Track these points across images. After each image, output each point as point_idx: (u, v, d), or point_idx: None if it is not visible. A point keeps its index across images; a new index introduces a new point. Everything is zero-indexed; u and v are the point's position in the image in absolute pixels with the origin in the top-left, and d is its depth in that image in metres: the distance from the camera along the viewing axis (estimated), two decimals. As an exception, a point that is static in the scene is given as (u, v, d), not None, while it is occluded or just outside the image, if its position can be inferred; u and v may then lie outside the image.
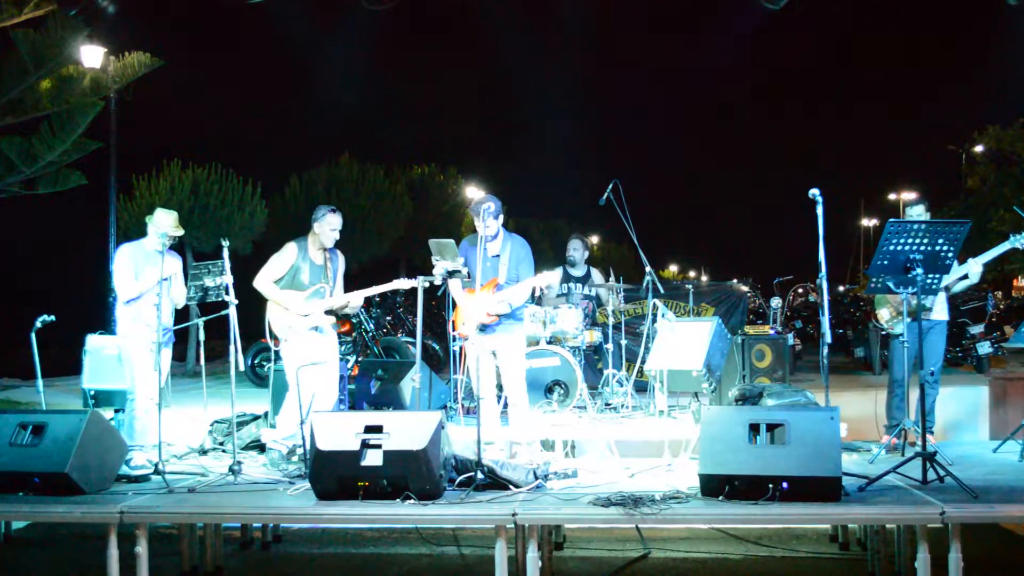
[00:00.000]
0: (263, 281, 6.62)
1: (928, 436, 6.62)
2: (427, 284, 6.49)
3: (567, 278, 9.35)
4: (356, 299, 6.79)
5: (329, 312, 6.73)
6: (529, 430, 6.73)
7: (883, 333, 7.15)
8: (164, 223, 6.66)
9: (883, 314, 7.06)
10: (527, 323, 7.73)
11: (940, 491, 5.18)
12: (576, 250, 9.35)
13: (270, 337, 6.63)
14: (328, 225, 6.64)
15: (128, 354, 6.65)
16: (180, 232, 6.76)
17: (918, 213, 6.87)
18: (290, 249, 6.69)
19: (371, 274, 7.37)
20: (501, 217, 6.60)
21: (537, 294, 8.81)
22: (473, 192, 28.17)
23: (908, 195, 34.55)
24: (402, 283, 6.85)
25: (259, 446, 7.07)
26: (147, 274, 6.54)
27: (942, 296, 6.67)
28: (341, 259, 6.93)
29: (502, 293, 6.54)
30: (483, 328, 6.54)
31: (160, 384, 6.63)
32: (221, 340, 7.00)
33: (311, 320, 6.62)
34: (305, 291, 6.61)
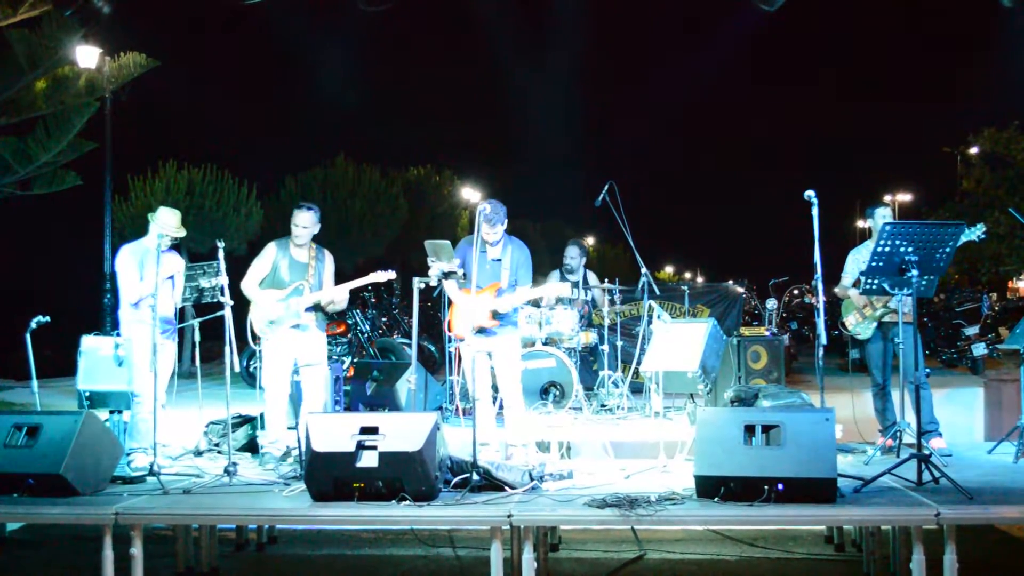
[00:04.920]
0: (247, 284, 6.67)
1: (936, 440, 6.67)
2: (423, 285, 6.50)
3: (563, 279, 9.34)
4: (339, 294, 6.77)
5: (314, 309, 6.72)
6: (524, 432, 6.74)
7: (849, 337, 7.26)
8: (167, 223, 6.68)
9: (849, 320, 7.14)
10: (523, 324, 7.73)
11: (935, 492, 5.19)
12: (573, 258, 9.35)
13: (252, 338, 6.64)
14: (294, 222, 6.69)
15: (133, 355, 6.67)
16: (182, 233, 6.79)
17: (884, 215, 6.91)
18: (268, 249, 6.77)
19: (367, 274, 7.34)
20: (506, 223, 6.60)
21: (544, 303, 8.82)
22: (469, 193, 28.21)
23: (904, 196, 34.61)
24: (379, 276, 6.83)
25: (254, 447, 7.06)
26: (150, 274, 6.54)
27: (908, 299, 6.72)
28: (329, 258, 6.93)
29: (505, 298, 6.54)
30: (481, 331, 6.55)
31: (165, 379, 6.72)
32: (216, 341, 6.99)
33: (291, 319, 6.63)
34: (285, 289, 6.64)
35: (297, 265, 6.72)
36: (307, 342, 6.74)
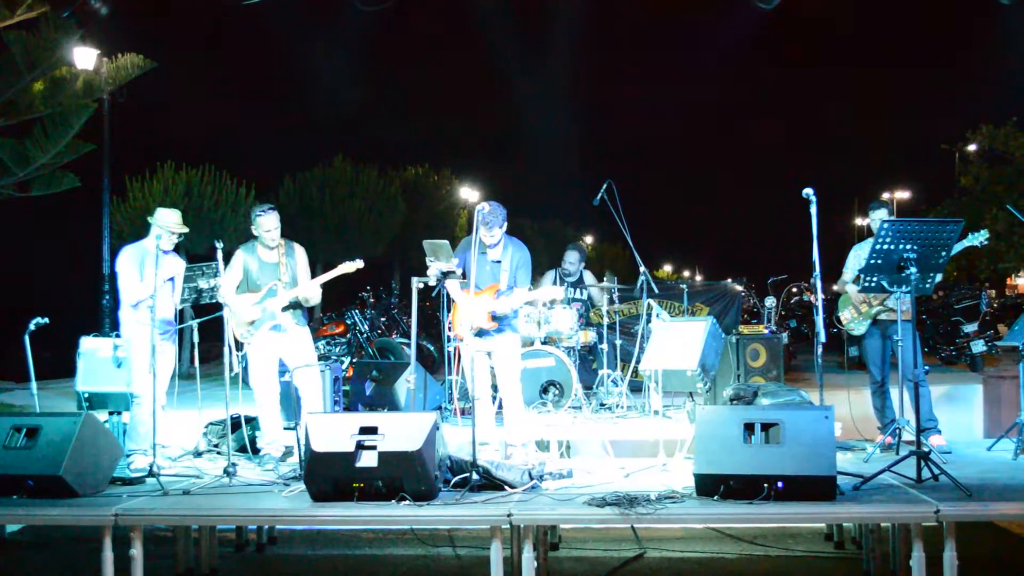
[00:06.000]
0: (224, 293, 6.66)
1: (936, 437, 6.68)
2: (421, 285, 6.49)
3: (560, 281, 9.36)
4: (312, 291, 6.76)
5: (291, 307, 6.72)
6: (524, 431, 6.73)
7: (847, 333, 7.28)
8: (168, 220, 6.69)
9: (845, 315, 7.16)
10: (522, 324, 7.73)
11: (935, 489, 5.19)
12: (572, 263, 9.39)
13: (235, 344, 6.64)
14: (260, 228, 6.70)
15: (133, 356, 6.68)
16: (184, 230, 6.79)
17: (880, 216, 6.89)
18: (237, 256, 6.78)
19: (366, 275, 7.36)
20: (505, 225, 6.58)
21: (552, 279, 8.93)
22: (467, 192, 28.20)
23: (902, 194, 34.64)
24: (347, 267, 6.82)
25: (253, 448, 7.06)
26: (150, 276, 6.54)
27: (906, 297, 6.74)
28: (300, 252, 6.91)
29: (503, 300, 6.52)
30: (480, 333, 6.55)
31: (165, 381, 6.74)
32: (216, 342, 7.00)
33: (268, 320, 6.63)
34: (259, 292, 6.66)
35: (267, 266, 6.73)
36: (290, 343, 6.74)
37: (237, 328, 6.65)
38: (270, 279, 6.69)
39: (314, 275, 6.94)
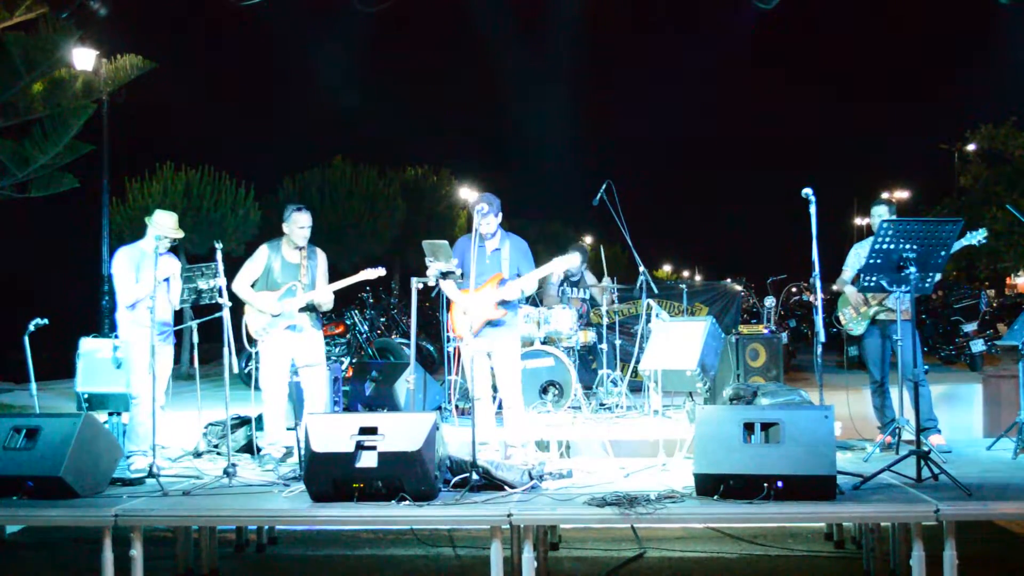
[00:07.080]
0: (238, 284, 6.69)
1: (935, 436, 6.68)
2: (421, 285, 6.49)
3: (561, 279, 9.35)
4: (325, 295, 6.79)
5: (307, 310, 6.73)
6: (523, 431, 6.73)
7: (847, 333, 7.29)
8: (164, 224, 6.70)
9: (843, 315, 7.16)
10: (522, 324, 7.73)
11: (934, 489, 5.19)
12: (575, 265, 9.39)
13: (247, 341, 6.64)
14: (295, 224, 6.71)
15: (131, 357, 6.68)
16: (180, 235, 6.79)
17: (880, 213, 6.89)
18: (261, 251, 6.81)
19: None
20: (500, 216, 6.58)
21: (556, 278, 8.96)
22: (467, 193, 28.19)
23: (901, 194, 34.63)
24: (368, 273, 6.86)
25: (253, 448, 7.06)
26: (146, 277, 6.55)
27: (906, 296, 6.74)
28: (321, 257, 6.95)
29: (511, 285, 6.50)
30: (489, 324, 6.52)
31: (163, 381, 6.73)
32: (215, 343, 7.00)
33: (285, 320, 6.64)
34: (278, 291, 6.66)
35: (289, 266, 6.75)
36: (303, 343, 6.75)
37: (253, 324, 6.65)
38: (290, 279, 6.71)
39: None
